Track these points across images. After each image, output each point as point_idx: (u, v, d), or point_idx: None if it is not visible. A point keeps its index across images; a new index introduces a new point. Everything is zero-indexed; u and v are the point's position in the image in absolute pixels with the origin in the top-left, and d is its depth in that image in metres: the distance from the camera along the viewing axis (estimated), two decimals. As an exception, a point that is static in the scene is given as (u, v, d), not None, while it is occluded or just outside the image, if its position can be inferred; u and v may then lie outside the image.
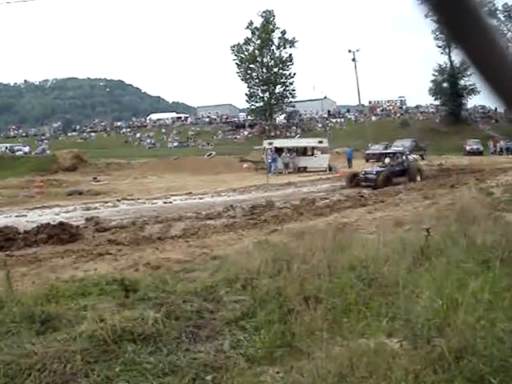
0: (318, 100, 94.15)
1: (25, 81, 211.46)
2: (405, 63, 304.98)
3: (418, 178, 28.05)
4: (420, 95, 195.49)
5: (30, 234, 13.78)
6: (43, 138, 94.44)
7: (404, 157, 29.83)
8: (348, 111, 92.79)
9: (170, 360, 4.66)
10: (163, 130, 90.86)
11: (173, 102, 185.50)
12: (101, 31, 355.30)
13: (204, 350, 4.91)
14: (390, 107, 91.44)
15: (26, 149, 76.81)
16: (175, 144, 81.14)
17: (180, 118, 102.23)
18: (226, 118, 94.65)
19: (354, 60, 65.86)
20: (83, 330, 5.08)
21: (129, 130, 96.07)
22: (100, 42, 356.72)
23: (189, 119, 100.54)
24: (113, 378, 4.32)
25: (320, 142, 44.74)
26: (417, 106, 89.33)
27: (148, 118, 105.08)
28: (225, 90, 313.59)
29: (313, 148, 44.42)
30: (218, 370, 4.54)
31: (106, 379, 4.30)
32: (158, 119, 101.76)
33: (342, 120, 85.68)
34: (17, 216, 20.73)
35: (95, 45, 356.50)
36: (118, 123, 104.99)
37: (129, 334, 5.02)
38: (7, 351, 4.64)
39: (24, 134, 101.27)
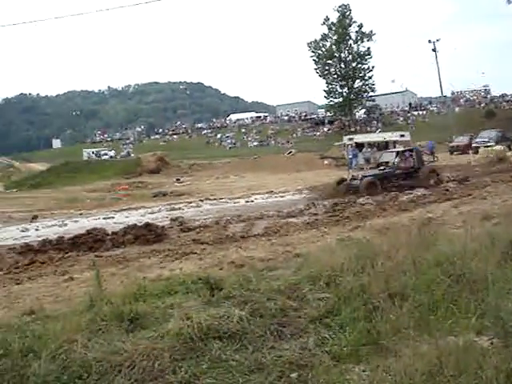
0: (399, 93, 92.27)
1: (108, 87, 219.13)
2: (488, 51, 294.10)
3: (432, 182, 22.96)
4: (506, 84, 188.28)
5: (117, 235, 14.22)
6: (127, 141, 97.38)
7: (414, 156, 24.33)
8: (430, 103, 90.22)
9: (255, 357, 4.68)
10: (243, 130, 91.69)
11: (252, 102, 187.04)
12: (180, 35, 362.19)
13: (289, 347, 4.90)
14: (474, 97, 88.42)
15: (112, 153, 79.49)
16: (255, 143, 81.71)
17: (259, 117, 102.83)
18: (305, 116, 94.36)
19: (434, 50, 64.27)
20: (170, 327, 5.18)
21: (210, 131, 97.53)
22: (179, 45, 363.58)
23: (268, 118, 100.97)
24: (200, 375, 4.38)
25: (402, 135, 43.80)
26: (502, 95, 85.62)
27: (228, 119, 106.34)
28: (303, 87, 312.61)
29: (394, 142, 43.57)
30: (303, 367, 4.52)
31: (193, 376, 4.36)
32: (238, 119, 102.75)
33: (424, 112, 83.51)
34: (104, 218, 21.45)
35: (175, 49, 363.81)
36: (199, 125, 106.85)
37: (215, 332, 5.08)
38: (98, 348, 4.79)
39: (109, 139, 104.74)
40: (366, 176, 22.74)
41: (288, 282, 6.68)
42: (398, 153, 25.13)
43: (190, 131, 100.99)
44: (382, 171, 23.45)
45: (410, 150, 25.40)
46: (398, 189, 21.85)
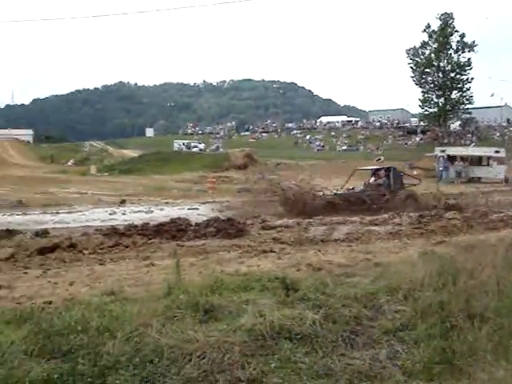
0: (497, 107, 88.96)
1: (204, 81, 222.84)
2: None
3: (411, 208, 18.91)
4: None
5: (200, 227, 14.46)
6: (217, 136, 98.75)
7: (391, 176, 21.10)
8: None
9: (324, 363, 4.64)
10: (333, 133, 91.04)
11: (344, 105, 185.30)
12: (276, 34, 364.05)
13: (359, 356, 4.83)
14: None
15: (202, 146, 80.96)
16: (344, 147, 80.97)
17: (350, 121, 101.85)
18: (398, 123, 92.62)
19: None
20: (243, 323, 5.22)
21: (299, 131, 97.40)
22: (275, 44, 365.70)
23: (359, 123, 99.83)
24: (267, 373, 4.39)
25: (497, 151, 42.37)
26: None
27: (318, 121, 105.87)
28: (397, 94, 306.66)
29: (488, 158, 42.16)
30: (373, 378, 4.44)
31: (261, 374, 4.38)
32: (329, 122, 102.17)
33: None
34: (189, 209, 21.92)
35: (271, 47, 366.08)
36: (289, 124, 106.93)
37: (286, 332, 5.08)
38: (171, 335, 4.89)
39: (200, 132, 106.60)
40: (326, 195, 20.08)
41: (365, 291, 6.58)
42: (373, 172, 22.25)
43: (279, 130, 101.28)
44: (348, 191, 20.89)
45: (387, 170, 22.24)
46: (366, 212, 18.44)
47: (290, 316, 5.36)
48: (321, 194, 19.97)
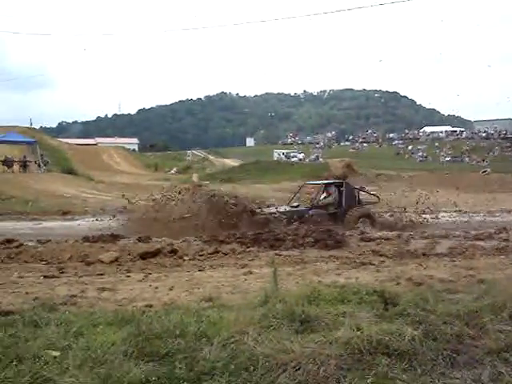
0: None
1: (304, 91, 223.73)
2: None
3: (362, 228, 17.44)
4: None
5: (298, 237, 14.42)
6: (317, 146, 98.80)
7: (344, 193, 19.05)
8: None
9: (423, 381, 4.48)
10: (436, 144, 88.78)
11: (448, 115, 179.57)
12: (377, 43, 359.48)
13: (460, 376, 4.62)
14: None
15: (301, 156, 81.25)
16: (447, 158, 78.69)
17: (455, 131, 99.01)
18: (505, 134, 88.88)
19: None
20: (339, 335, 5.14)
21: (401, 141, 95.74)
22: (376, 53, 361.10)
23: (464, 133, 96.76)
24: (364, 389, 4.29)
25: None
26: None
27: (421, 131, 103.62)
28: (505, 103, 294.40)
29: None
30: (475, 401, 4.24)
31: (357, 388, 4.29)
32: (432, 132, 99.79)
33: None
34: (287, 218, 21.89)
35: (372, 56, 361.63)
36: (391, 135, 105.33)
37: (384, 348, 4.94)
38: (267, 344, 4.89)
39: (300, 142, 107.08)
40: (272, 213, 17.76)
41: (467, 308, 6.31)
42: (323, 187, 19.88)
43: (380, 140, 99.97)
44: (290, 209, 18.75)
45: (338, 185, 19.83)
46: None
47: (389, 331, 5.22)
48: (259, 210, 17.80)
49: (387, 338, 5.04)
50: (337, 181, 21.23)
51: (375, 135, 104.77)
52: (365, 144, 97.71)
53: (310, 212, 18.43)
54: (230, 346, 4.87)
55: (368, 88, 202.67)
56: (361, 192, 20.84)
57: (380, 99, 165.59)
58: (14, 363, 4.33)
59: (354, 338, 5.01)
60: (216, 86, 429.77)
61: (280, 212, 17.88)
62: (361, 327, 5.25)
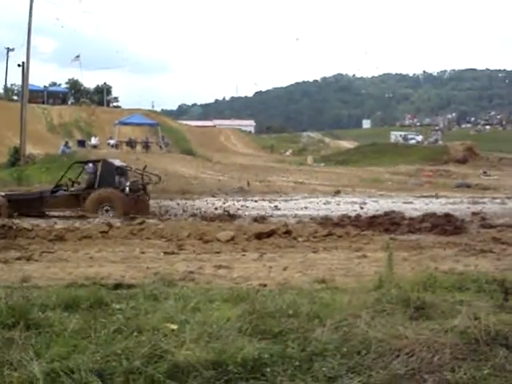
0: None
1: (423, 71, 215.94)
2: None
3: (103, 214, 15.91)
4: None
5: (414, 221, 14.11)
6: (436, 128, 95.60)
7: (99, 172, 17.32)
8: None
9: (545, 376, 4.27)
10: None
11: None
12: (497, 20, 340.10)
13: None
14: None
15: (419, 138, 78.99)
16: None
17: None
18: None
19: None
20: (456, 324, 4.99)
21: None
22: (500, 29, 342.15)
23: None
24: (479, 380, 4.15)
25: None
26: None
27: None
28: None
29: None
30: None
31: (472, 379, 4.16)
32: None
33: None
34: (404, 202, 21.52)
35: (495, 33, 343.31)
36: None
37: (502, 339, 4.75)
38: (380, 329, 4.84)
39: (418, 124, 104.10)
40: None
41: None
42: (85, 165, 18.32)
43: (504, 123, 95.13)
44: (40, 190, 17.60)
45: (95, 163, 18.11)
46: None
47: (508, 322, 5.01)
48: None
49: (507, 329, 4.85)
50: (95, 159, 19.67)
51: (498, 117, 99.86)
52: (487, 126, 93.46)
53: (58, 194, 17.20)
54: (343, 328, 4.86)
55: (492, 67, 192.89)
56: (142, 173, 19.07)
57: (504, 79, 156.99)
58: (135, 334, 4.55)
59: (470, 327, 4.86)
60: (332, 67, 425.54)
61: (2, 195, 16.87)
62: (478, 317, 5.08)
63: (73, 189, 17.34)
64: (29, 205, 16.54)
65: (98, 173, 17.25)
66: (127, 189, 17.00)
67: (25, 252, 10.44)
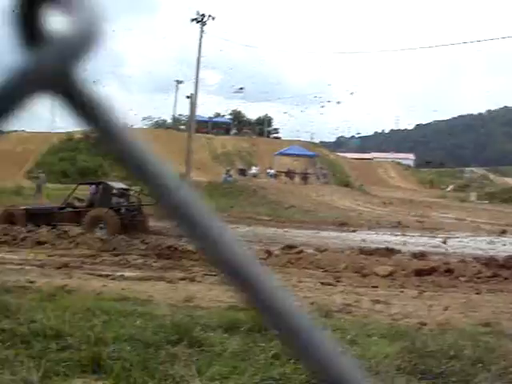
0: None
1: None
2: None
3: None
4: None
5: None
6: None
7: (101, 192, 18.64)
8: None
9: None
10: None
11: None
12: None
13: None
14: None
15: None
16: None
17: None
18: None
19: None
20: None
21: None
22: None
23: None
24: None
25: None
26: None
27: None
28: None
29: None
30: None
31: None
32: None
33: None
34: None
35: None
36: None
37: None
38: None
39: None
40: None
41: None
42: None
43: None
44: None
45: (97, 184, 19.52)
46: None
47: None
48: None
49: None
50: (96, 181, 21.13)
51: None
52: None
53: (64, 210, 18.77)
54: (508, 376, 4.63)
55: None
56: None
57: None
58: (292, 361, 4.61)
59: None
60: (498, 100, 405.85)
61: (23, 208, 18.88)
62: None
63: (78, 204, 19.28)
64: (40, 218, 18.44)
65: (99, 194, 19.01)
66: (123, 209, 18.88)
67: (188, 273, 11.01)
